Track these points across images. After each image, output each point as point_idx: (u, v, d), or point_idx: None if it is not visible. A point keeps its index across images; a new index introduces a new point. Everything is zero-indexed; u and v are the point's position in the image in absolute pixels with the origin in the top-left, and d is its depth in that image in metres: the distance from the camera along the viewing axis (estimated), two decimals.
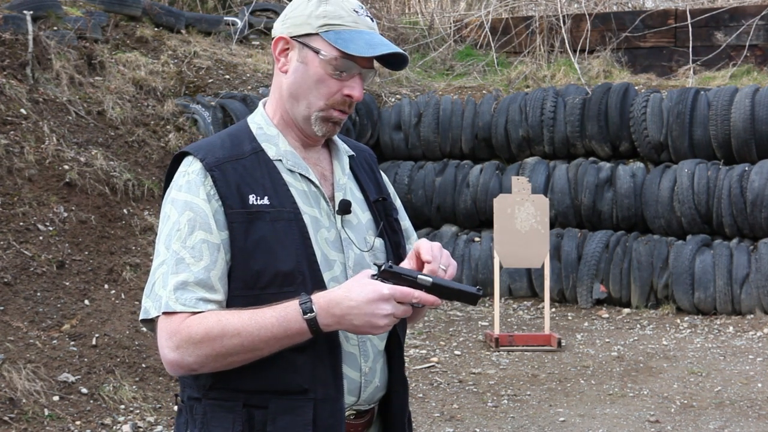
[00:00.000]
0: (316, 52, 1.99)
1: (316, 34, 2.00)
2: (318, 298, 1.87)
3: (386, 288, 1.84)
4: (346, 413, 2.03)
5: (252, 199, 1.97)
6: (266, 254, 1.95)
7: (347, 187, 2.11)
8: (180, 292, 1.91)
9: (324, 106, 2.02)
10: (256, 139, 2.06)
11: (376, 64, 2.05)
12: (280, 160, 2.04)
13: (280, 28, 2.06)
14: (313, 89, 2.01)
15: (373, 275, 1.87)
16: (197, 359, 1.90)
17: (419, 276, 1.89)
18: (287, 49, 2.04)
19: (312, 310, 1.86)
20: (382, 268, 1.87)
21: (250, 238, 1.95)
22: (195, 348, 1.89)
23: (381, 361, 2.09)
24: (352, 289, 1.86)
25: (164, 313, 1.92)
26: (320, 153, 2.12)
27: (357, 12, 2.01)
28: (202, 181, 1.98)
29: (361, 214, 2.11)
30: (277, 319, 1.87)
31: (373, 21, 2.04)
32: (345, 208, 2.06)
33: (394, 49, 1.99)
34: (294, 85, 2.03)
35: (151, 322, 1.98)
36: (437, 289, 1.91)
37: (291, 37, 2.03)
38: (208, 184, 1.97)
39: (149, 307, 1.95)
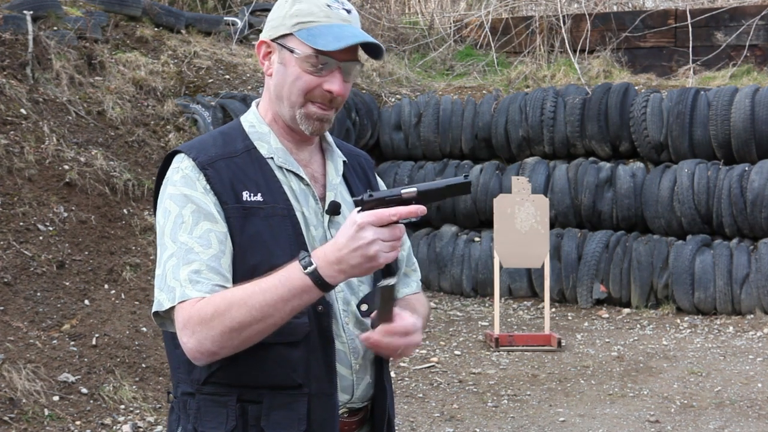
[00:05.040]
0: (292, 51, 2.01)
1: (291, 33, 2.01)
2: (315, 252, 1.87)
3: (359, 216, 1.82)
4: (340, 411, 2.04)
5: (246, 195, 1.99)
6: (262, 249, 1.97)
7: (338, 190, 2.12)
8: (195, 280, 1.92)
9: (303, 102, 2.02)
10: (249, 137, 2.08)
11: (363, 55, 2.06)
12: (272, 158, 2.06)
13: (263, 32, 2.09)
14: (293, 88, 2.02)
15: (358, 210, 1.85)
16: (213, 340, 1.88)
17: (403, 191, 1.85)
18: (270, 52, 2.06)
19: (311, 264, 1.84)
20: (363, 198, 1.85)
21: (246, 233, 1.97)
22: (208, 329, 1.88)
23: (371, 358, 2.09)
24: (339, 233, 1.85)
25: (179, 302, 1.92)
26: (313, 154, 2.14)
27: (330, 6, 2.01)
28: (196, 177, 2.00)
29: None
30: (280, 279, 1.86)
31: (350, 12, 2.03)
32: (334, 209, 2.06)
33: (362, 39, 1.98)
34: (277, 87, 2.05)
35: (160, 317, 1.98)
36: (426, 195, 1.86)
37: (271, 40, 2.05)
38: (203, 180, 1.99)
39: (163, 300, 1.94)
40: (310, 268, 1.84)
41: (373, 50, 2.04)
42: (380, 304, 1.96)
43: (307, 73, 2.00)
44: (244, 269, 1.96)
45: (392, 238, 1.83)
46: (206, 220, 1.96)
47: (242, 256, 1.97)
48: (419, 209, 1.84)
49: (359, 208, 1.85)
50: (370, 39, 1.99)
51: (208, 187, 1.99)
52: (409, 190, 1.85)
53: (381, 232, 1.82)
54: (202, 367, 1.98)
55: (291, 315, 1.89)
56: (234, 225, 1.97)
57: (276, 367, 1.96)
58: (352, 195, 2.15)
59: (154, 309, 1.98)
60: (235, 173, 2.01)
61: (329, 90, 2.00)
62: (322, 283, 1.85)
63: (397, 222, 1.83)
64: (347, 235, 1.82)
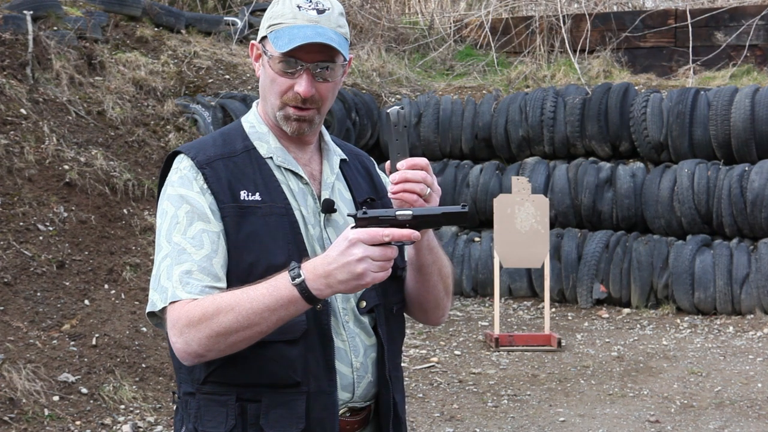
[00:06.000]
0: (266, 53, 2.04)
1: (266, 36, 2.05)
2: (305, 264, 1.87)
3: (352, 233, 1.83)
4: (341, 411, 2.04)
5: (243, 194, 2.01)
6: (258, 247, 1.98)
7: (335, 188, 2.13)
8: (185, 281, 1.93)
9: (280, 105, 2.04)
10: (249, 137, 2.10)
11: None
12: (271, 158, 2.07)
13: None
14: (270, 89, 2.05)
15: (352, 226, 1.85)
16: (200, 342, 1.90)
17: (398, 212, 1.85)
18: (260, 54, 2.09)
19: (300, 275, 1.84)
20: (357, 215, 1.84)
21: (242, 232, 1.98)
22: (195, 331, 1.89)
23: (372, 356, 2.09)
24: (331, 247, 1.86)
25: (170, 303, 1.93)
26: (311, 154, 2.14)
27: (299, 7, 2.01)
28: (194, 176, 2.01)
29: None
30: (268, 289, 1.87)
31: (323, 12, 2.02)
32: (328, 207, 2.07)
33: (311, 39, 1.97)
34: (261, 87, 2.10)
35: (155, 317, 2.00)
36: (420, 220, 1.85)
37: (258, 42, 2.09)
38: (200, 180, 2.01)
39: (156, 300, 1.96)
40: (297, 280, 1.84)
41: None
42: (395, 135, 1.94)
43: (280, 75, 2.02)
44: (240, 267, 1.97)
45: (383, 258, 1.83)
46: (200, 221, 1.98)
47: (239, 255, 1.98)
48: (413, 234, 1.84)
49: (353, 225, 1.85)
50: (321, 39, 1.98)
51: (205, 186, 2.00)
52: (405, 213, 1.84)
53: (372, 251, 1.82)
54: (201, 367, 1.98)
55: (278, 324, 1.89)
56: (230, 224, 1.98)
57: (274, 365, 1.97)
58: (353, 194, 2.15)
59: (148, 309, 1.99)
60: (234, 173, 2.03)
61: (297, 92, 2.01)
62: (308, 296, 1.85)
63: (389, 243, 1.84)
64: (338, 250, 1.83)
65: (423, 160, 1.96)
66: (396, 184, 1.93)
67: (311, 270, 1.85)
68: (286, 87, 2.02)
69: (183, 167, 2.03)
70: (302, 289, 1.84)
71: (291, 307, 1.87)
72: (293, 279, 1.85)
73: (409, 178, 1.93)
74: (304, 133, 2.07)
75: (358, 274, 1.82)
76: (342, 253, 1.82)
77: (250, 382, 1.97)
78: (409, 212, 1.85)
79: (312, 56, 2.00)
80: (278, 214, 2.01)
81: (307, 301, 1.86)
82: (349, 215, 1.90)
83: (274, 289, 1.86)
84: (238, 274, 1.97)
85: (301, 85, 2.01)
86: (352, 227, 1.85)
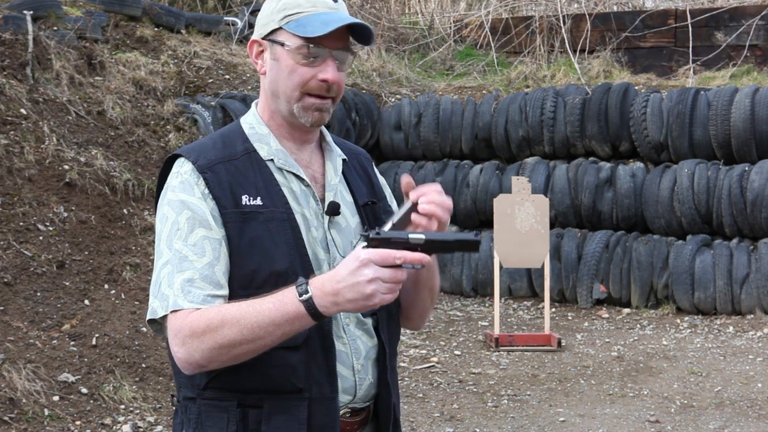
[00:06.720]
0: (283, 45, 2.01)
1: (280, 28, 2.02)
2: (313, 280, 1.86)
3: (363, 253, 1.81)
4: (342, 411, 2.03)
5: (245, 199, 1.99)
6: (261, 254, 1.96)
7: (338, 189, 2.11)
8: (187, 289, 1.91)
9: (300, 95, 2.02)
10: (249, 139, 2.08)
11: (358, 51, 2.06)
12: (272, 160, 2.05)
13: (254, 32, 2.10)
14: (288, 81, 2.02)
15: (364, 246, 1.84)
16: (203, 353, 1.89)
17: (410, 236, 1.83)
18: (262, 51, 2.07)
19: (307, 292, 1.83)
20: (370, 236, 1.83)
21: (245, 238, 1.96)
22: (199, 342, 1.88)
23: (373, 357, 2.09)
24: (340, 265, 1.84)
25: (172, 311, 1.92)
26: (313, 155, 2.13)
27: None
28: (195, 181, 1.99)
29: (350, 217, 2.10)
30: (274, 303, 1.85)
31: (336, 1, 2.04)
32: (334, 209, 2.06)
33: (349, 21, 1.98)
34: (273, 83, 2.05)
35: (155, 323, 1.98)
36: (432, 245, 1.85)
37: (262, 38, 2.06)
38: (201, 185, 1.98)
39: (157, 307, 1.95)
40: (305, 296, 1.83)
41: (363, 36, 2.04)
42: (391, 227, 1.92)
43: (301, 65, 2.00)
44: (242, 274, 1.96)
45: (392, 281, 1.82)
46: (201, 227, 1.96)
47: (241, 261, 1.96)
48: (424, 258, 1.83)
49: (365, 245, 1.83)
50: (357, 20, 1.99)
51: (206, 191, 1.98)
52: (417, 236, 1.83)
53: (382, 272, 1.81)
54: (202, 373, 1.97)
55: (282, 339, 1.88)
56: (232, 230, 1.97)
57: (276, 371, 1.96)
58: (353, 195, 2.14)
59: (148, 316, 1.98)
60: (235, 177, 2.01)
61: (324, 79, 2.00)
62: (315, 313, 1.84)
63: (400, 266, 1.83)
64: (348, 269, 1.82)
65: (436, 186, 1.97)
66: (423, 202, 1.93)
67: (319, 287, 1.83)
68: (308, 76, 2.00)
69: (184, 171, 2.01)
70: (309, 305, 1.83)
71: (296, 323, 1.86)
72: (300, 295, 1.83)
73: (437, 201, 1.94)
74: (321, 123, 2.07)
75: (367, 294, 1.81)
76: (352, 272, 1.80)
77: (252, 388, 1.96)
78: (422, 236, 1.83)
79: (336, 43, 2.00)
80: (279, 219, 1.99)
81: (313, 318, 1.85)
82: (361, 235, 1.87)
83: (281, 304, 1.85)
84: (240, 280, 1.95)
85: (328, 72, 2.00)
86: (364, 247, 1.83)
